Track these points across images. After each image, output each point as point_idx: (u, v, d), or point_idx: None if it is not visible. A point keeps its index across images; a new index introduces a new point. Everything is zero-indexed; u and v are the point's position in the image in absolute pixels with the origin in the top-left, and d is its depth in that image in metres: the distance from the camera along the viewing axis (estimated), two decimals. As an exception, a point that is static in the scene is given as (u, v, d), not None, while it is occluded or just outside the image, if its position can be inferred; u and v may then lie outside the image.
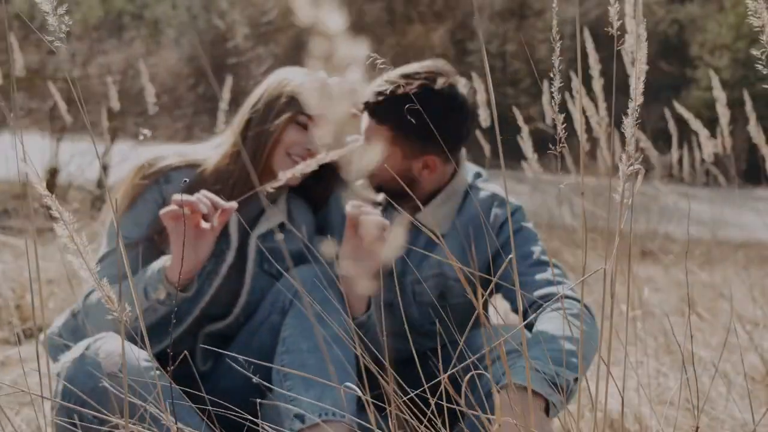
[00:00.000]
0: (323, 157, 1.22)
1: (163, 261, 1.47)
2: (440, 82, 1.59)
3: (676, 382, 2.11)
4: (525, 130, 2.43)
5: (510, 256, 1.62)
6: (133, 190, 1.63)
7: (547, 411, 1.30)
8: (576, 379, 1.33)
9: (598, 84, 2.50)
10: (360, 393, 1.26)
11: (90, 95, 8.11)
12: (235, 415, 1.23)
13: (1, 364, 2.20)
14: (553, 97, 0.81)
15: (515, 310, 1.60)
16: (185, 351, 1.50)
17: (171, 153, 1.67)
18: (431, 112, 1.55)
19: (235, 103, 2.13)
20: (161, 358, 1.55)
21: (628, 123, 0.74)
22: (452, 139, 1.63)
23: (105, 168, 6.41)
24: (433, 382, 1.16)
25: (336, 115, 0.44)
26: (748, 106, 2.41)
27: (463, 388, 1.07)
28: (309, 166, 1.23)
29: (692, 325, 2.96)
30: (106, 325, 1.43)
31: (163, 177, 1.63)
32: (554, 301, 1.49)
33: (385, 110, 1.58)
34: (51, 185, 6.50)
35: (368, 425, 1.14)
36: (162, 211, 1.42)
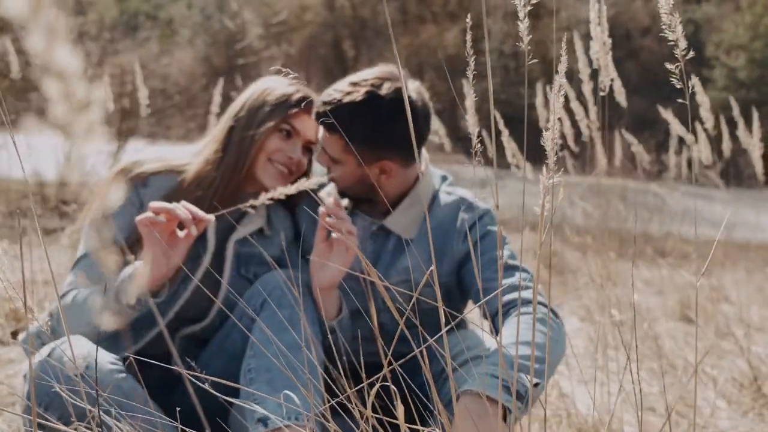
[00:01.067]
0: (303, 184, 1.28)
1: (136, 266, 1.49)
2: (386, 87, 1.57)
3: (661, 388, 2.10)
4: (505, 132, 2.43)
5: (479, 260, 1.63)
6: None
7: (505, 417, 1.30)
8: (537, 385, 1.33)
9: (587, 87, 2.50)
10: (298, 403, 1.27)
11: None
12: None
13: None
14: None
15: (485, 315, 1.60)
16: (160, 354, 1.51)
17: (151, 157, 1.70)
18: (378, 118, 1.54)
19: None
20: (136, 360, 1.56)
21: (548, 136, 0.74)
22: (404, 143, 1.62)
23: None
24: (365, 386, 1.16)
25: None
26: (735, 111, 2.39)
27: (370, 395, 1.07)
28: (289, 190, 1.30)
29: (683, 330, 2.95)
30: (81, 327, 1.45)
31: (142, 182, 1.65)
32: (520, 305, 1.48)
33: (332, 119, 1.57)
34: (64, 184, 6.56)
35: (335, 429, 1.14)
36: (138, 218, 1.44)
